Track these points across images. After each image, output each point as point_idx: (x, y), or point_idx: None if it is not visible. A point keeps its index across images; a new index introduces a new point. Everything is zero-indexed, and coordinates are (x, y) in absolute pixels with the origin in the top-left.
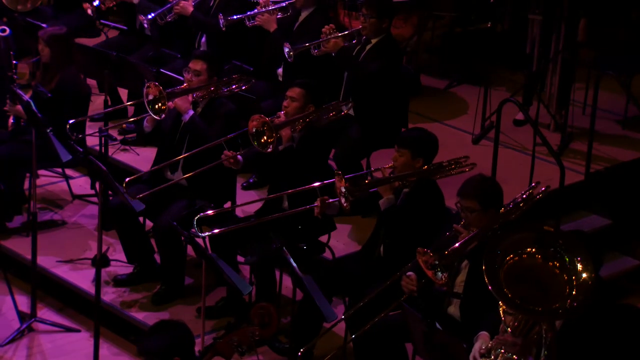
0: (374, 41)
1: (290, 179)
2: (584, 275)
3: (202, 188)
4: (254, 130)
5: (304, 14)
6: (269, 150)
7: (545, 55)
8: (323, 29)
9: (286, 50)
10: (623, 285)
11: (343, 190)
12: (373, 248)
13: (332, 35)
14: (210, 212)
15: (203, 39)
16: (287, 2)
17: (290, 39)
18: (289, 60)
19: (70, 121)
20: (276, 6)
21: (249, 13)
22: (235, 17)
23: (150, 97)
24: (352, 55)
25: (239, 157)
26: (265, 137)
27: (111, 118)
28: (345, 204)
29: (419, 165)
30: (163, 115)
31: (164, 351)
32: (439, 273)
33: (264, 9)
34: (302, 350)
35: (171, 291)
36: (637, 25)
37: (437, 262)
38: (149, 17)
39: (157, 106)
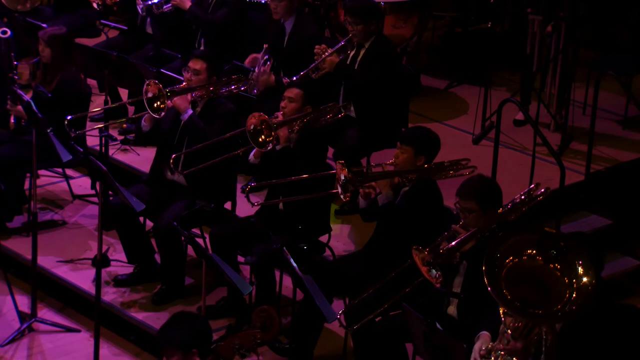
0: (367, 45)
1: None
2: (585, 279)
3: (202, 188)
4: (252, 127)
5: (288, 27)
6: (268, 148)
7: (545, 55)
8: (315, 50)
9: (286, 82)
10: (623, 285)
11: (343, 178)
12: (374, 248)
13: (327, 54)
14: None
15: (202, 39)
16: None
17: (282, 57)
18: None
19: (68, 117)
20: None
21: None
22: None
23: (150, 95)
24: (347, 64)
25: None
26: (263, 136)
27: (110, 117)
28: (343, 194)
29: (421, 163)
30: (162, 114)
31: (183, 342)
32: (433, 271)
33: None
34: None
35: (171, 291)
36: (637, 25)
37: (432, 260)
38: (148, 2)
39: (155, 104)
